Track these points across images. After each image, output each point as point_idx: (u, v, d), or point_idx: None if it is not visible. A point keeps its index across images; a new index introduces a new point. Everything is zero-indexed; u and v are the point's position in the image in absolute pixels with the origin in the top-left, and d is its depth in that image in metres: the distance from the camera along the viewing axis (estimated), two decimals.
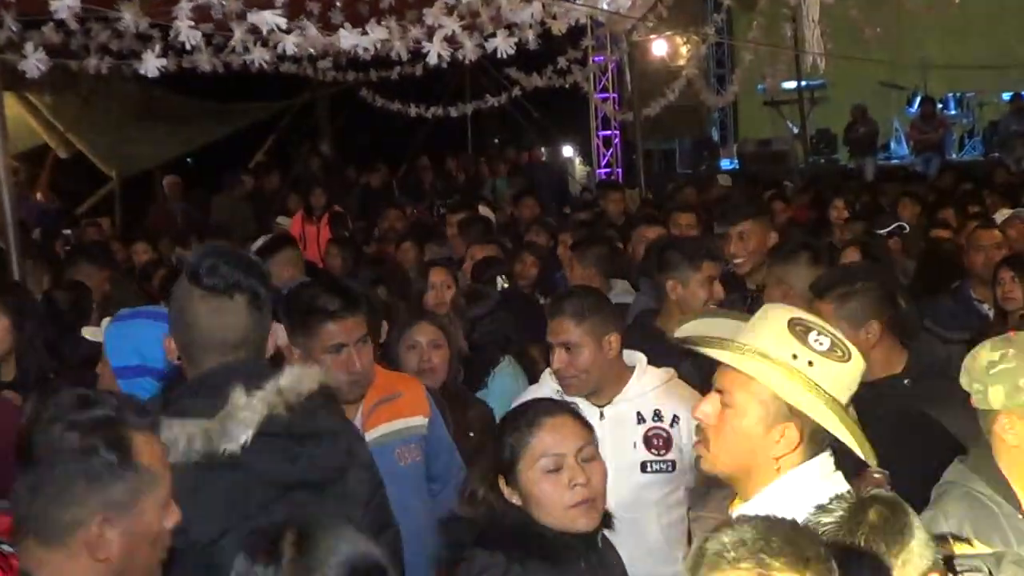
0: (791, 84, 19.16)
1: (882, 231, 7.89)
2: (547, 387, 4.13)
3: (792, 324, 2.56)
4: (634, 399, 4.04)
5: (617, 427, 4.04)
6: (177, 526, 2.38)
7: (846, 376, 2.56)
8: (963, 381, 3.08)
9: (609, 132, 21.01)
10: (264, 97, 18.39)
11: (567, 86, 17.20)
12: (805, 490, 2.52)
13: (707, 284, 4.91)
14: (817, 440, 2.58)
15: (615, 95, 20.45)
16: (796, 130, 19.77)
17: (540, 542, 2.90)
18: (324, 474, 2.85)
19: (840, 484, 2.59)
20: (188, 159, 19.34)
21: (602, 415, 4.03)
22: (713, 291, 4.91)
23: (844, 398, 2.57)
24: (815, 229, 9.52)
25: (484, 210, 11.09)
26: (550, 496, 2.92)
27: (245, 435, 2.71)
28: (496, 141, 22.81)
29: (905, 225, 8.11)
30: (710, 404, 2.63)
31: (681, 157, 21.82)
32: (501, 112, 19.27)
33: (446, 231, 9.60)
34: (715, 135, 22.77)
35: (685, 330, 2.73)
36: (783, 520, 2.00)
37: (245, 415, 2.72)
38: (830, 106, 20.19)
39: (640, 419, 4.05)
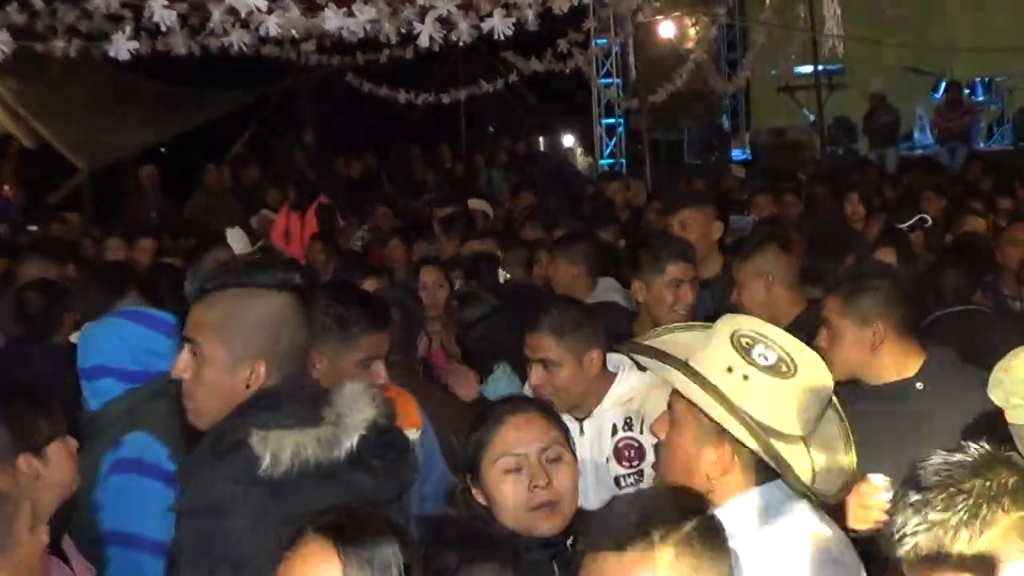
0: (807, 69, 19.17)
1: (903, 224, 7.88)
2: None
3: (736, 336, 2.58)
4: (611, 409, 4.03)
5: (596, 441, 4.04)
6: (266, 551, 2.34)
7: (786, 393, 2.55)
8: (996, 395, 3.03)
9: (613, 120, 20.99)
10: (243, 83, 18.39)
11: (568, 71, 17.22)
12: (748, 520, 2.50)
13: (672, 288, 4.85)
14: (766, 466, 2.56)
15: (619, 80, 20.45)
16: (813, 118, 19.79)
17: (491, 544, 2.90)
18: (399, 490, 2.84)
19: (803, 517, 2.57)
20: (162, 149, 19.34)
21: (582, 429, 4.03)
22: (680, 295, 4.84)
23: (781, 416, 2.54)
24: (836, 222, 9.53)
25: (478, 204, 11.09)
26: (509, 498, 2.93)
27: (351, 441, 2.67)
28: (491, 130, 22.82)
29: (927, 217, 8.10)
30: (660, 419, 2.68)
31: (690, 147, 21.82)
32: (497, 99, 19.28)
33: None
34: (726, 123, 22.80)
35: (644, 338, 2.78)
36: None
37: (356, 418, 2.70)
38: (849, 92, 20.19)
39: (614, 430, 4.05)
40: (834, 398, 2.75)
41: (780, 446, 2.52)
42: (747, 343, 2.56)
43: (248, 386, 2.77)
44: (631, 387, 4.07)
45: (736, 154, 21.54)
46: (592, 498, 3.19)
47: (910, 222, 7.91)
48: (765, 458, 2.51)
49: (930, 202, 9.50)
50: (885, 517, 3.35)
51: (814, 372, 2.59)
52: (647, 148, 15.38)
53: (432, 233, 9.41)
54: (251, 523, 2.61)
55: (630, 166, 20.17)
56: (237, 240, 8.65)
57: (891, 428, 3.54)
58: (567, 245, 6.59)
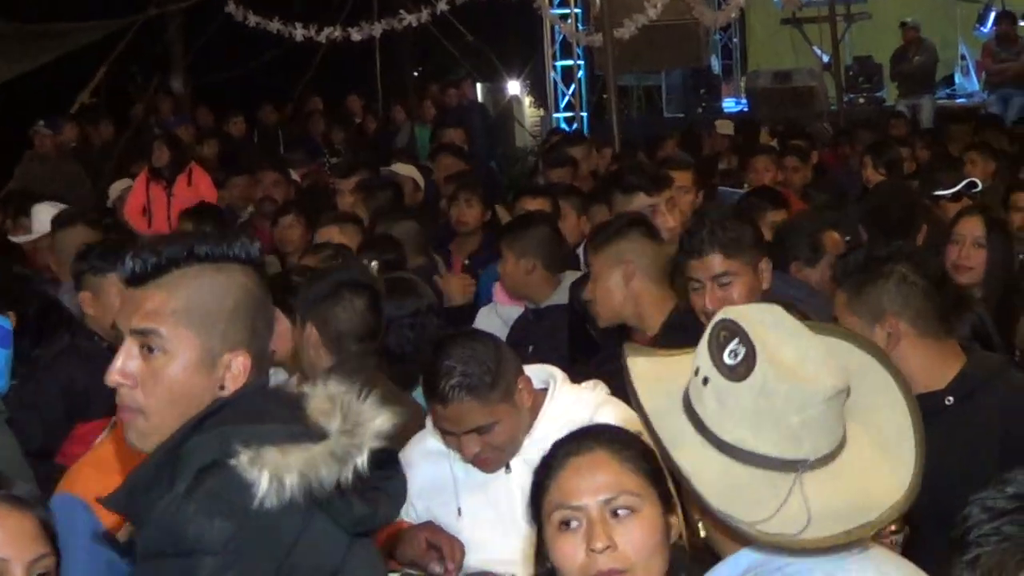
0: None
1: (944, 192, 7.86)
2: (431, 439, 4.16)
3: (717, 329, 2.54)
4: (542, 439, 3.83)
5: (527, 480, 3.99)
6: None
7: (737, 399, 2.48)
8: None
9: (571, 62, 20.97)
10: (92, 13, 18.21)
11: None
12: None
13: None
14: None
15: (579, 10, 20.42)
16: (826, 59, 19.86)
17: None
18: (389, 518, 2.87)
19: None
20: None
21: (508, 467, 4.08)
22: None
23: (744, 430, 2.48)
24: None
25: (406, 169, 11.02)
26: (564, 561, 2.89)
27: (363, 457, 2.66)
28: (416, 75, 22.76)
29: (977, 182, 8.09)
30: None
31: (669, 96, 21.87)
32: (421, 35, 19.20)
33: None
34: (716, 65, 22.86)
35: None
36: None
37: (373, 426, 2.69)
38: (873, 25, 20.30)
39: None
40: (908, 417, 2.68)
41: (739, 469, 2.46)
42: (725, 336, 2.51)
43: (223, 387, 2.78)
44: (563, 411, 4.05)
45: (728, 104, 21.62)
46: (526, 551, 3.17)
47: (955, 188, 7.88)
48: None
49: (975, 165, 9.51)
50: None
51: (779, 368, 2.48)
52: (614, 97, 15.32)
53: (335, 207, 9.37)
54: (239, 568, 2.59)
55: (592, 120, 20.16)
56: (46, 216, 8.45)
57: None
58: (516, 233, 6.52)
